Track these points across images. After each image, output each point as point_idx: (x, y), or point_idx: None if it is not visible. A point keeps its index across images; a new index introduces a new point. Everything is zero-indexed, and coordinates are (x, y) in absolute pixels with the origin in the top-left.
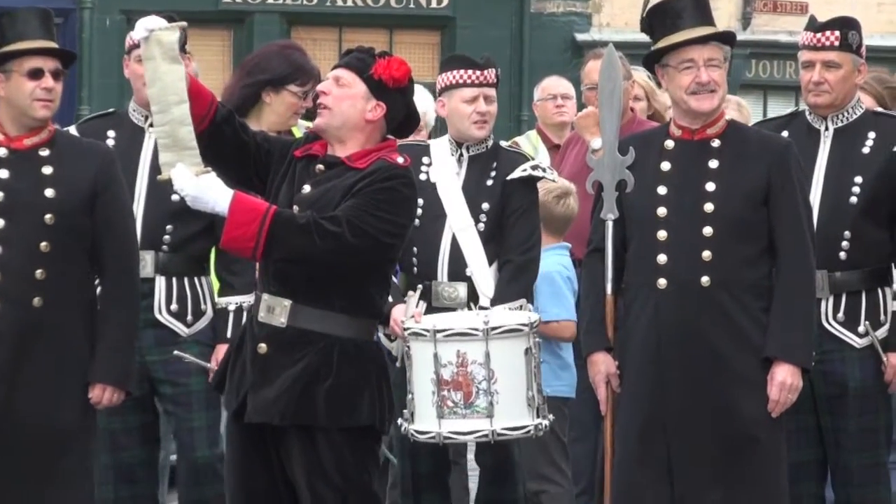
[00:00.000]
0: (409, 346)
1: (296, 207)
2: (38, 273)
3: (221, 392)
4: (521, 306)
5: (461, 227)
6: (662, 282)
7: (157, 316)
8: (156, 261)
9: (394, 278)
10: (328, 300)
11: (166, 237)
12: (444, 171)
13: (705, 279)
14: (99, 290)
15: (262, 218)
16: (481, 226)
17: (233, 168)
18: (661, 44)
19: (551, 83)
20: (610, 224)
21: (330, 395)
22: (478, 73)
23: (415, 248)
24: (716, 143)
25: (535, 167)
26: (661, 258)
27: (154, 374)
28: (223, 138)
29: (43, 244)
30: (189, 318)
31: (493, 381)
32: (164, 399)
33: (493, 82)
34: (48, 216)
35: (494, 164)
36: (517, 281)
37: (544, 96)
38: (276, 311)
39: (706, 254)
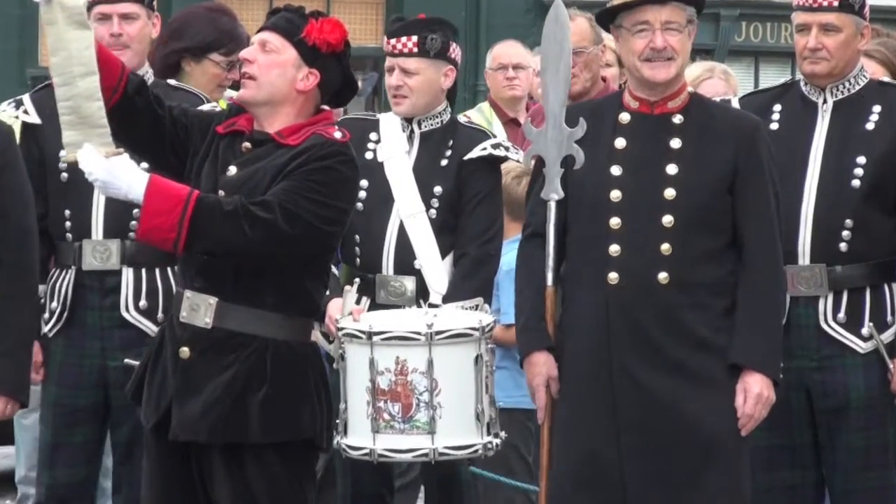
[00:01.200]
0: (343, 349)
1: (221, 192)
2: None
3: (138, 403)
4: (476, 306)
5: (410, 214)
6: (613, 276)
7: (125, 314)
8: (122, 250)
9: (334, 269)
10: (259, 297)
11: (133, 223)
12: (393, 149)
13: (663, 275)
14: None
15: (184, 205)
16: (433, 212)
17: (146, 147)
18: (616, 1)
19: (502, 50)
20: (553, 206)
21: (264, 406)
22: (392, 41)
23: (357, 237)
24: (678, 118)
25: (496, 146)
26: (613, 249)
27: (113, 383)
28: (135, 113)
29: None
30: (160, 315)
31: (436, 393)
32: (118, 414)
33: (407, 51)
34: None
35: (451, 143)
36: (474, 277)
37: (494, 66)
38: (201, 309)
39: (665, 246)
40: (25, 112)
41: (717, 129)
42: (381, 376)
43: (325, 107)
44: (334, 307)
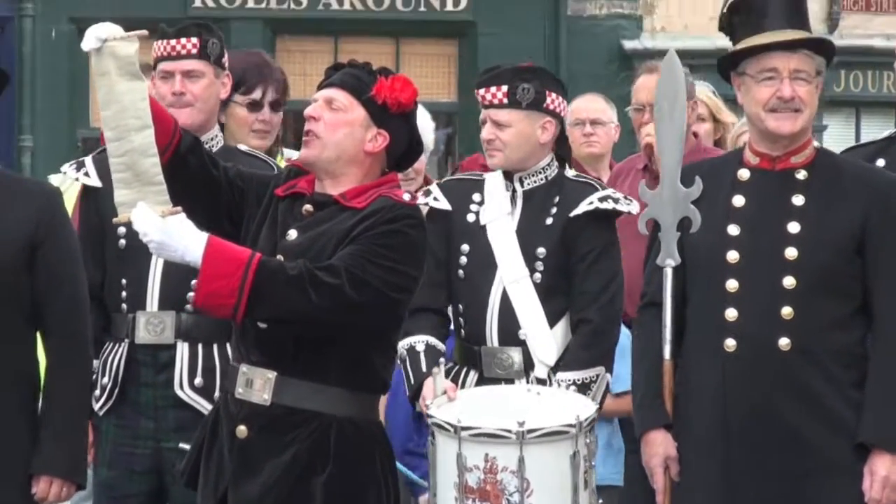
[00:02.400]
0: (433, 436)
1: (280, 257)
2: None
3: (193, 488)
4: (597, 376)
5: (513, 279)
6: (731, 343)
7: (179, 392)
8: (177, 324)
9: (439, 343)
10: (322, 371)
11: (191, 294)
12: (496, 210)
13: (784, 341)
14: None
15: (245, 269)
16: (538, 276)
17: (199, 210)
18: (740, 45)
19: (580, 104)
20: (669, 272)
21: (327, 489)
22: (482, 91)
23: (460, 306)
24: (801, 174)
25: (603, 198)
26: (731, 313)
27: (168, 468)
28: (188, 173)
29: None
30: (217, 394)
31: (527, 494)
32: (174, 500)
33: (497, 102)
34: None
35: (556, 199)
36: (593, 345)
37: (572, 121)
38: (258, 384)
39: (786, 310)
40: (86, 174)
41: (846, 185)
42: (470, 473)
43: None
44: (428, 388)
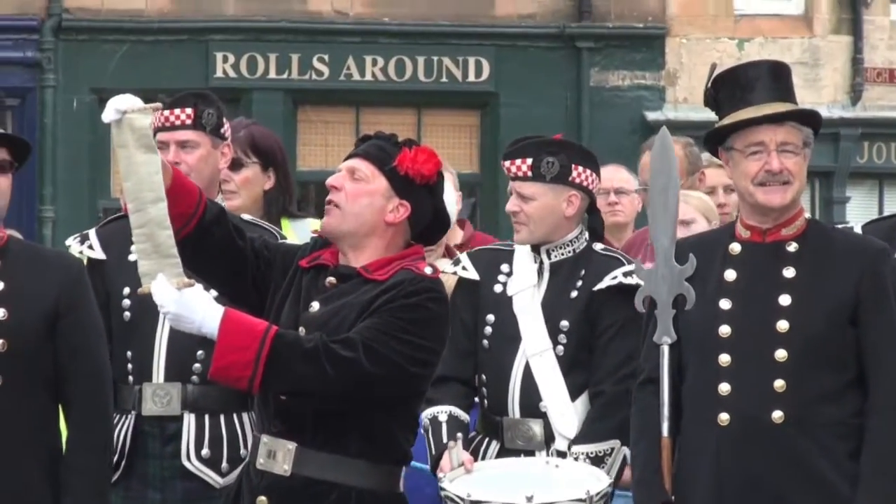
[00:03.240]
0: None
1: (302, 329)
2: None
3: None
4: (612, 449)
5: (536, 352)
6: (724, 416)
7: (186, 463)
8: (183, 395)
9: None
10: (342, 442)
11: (196, 365)
12: (523, 281)
13: (777, 414)
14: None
15: (261, 341)
16: (560, 349)
17: (225, 280)
18: (726, 120)
19: (604, 174)
20: (666, 350)
21: None
22: (507, 163)
23: (484, 377)
24: (792, 246)
25: (627, 273)
26: (724, 387)
27: None
28: (213, 243)
29: None
30: (224, 465)
31: None
32: None
33: (522, 175)
34: (0, 342)
35: (582, 272)
36: (608, 417)
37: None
38: (279, 456)
39: (779, 383)
40: (90, 247)
41: (837, 255)
42: None
43: (413, 242)
44: (445, 461)
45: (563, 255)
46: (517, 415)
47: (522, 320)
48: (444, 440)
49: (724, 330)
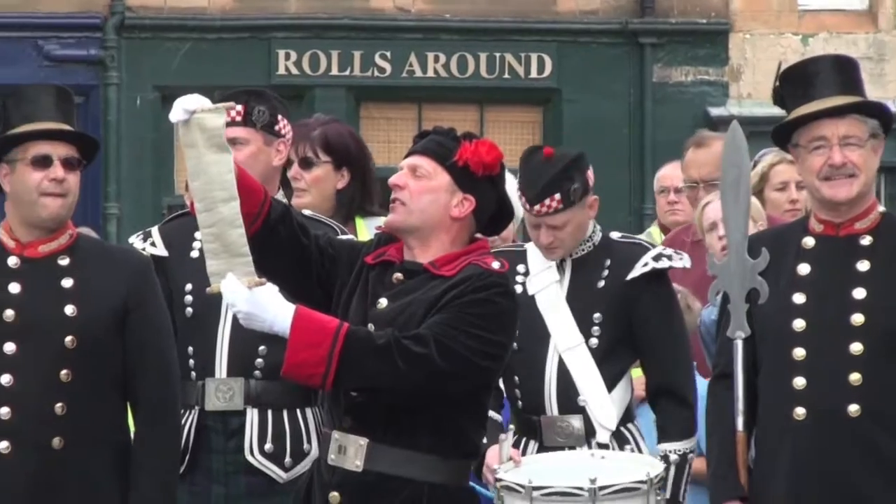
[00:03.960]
0: (501, 501)
1: (371, 326)
2: (58, 407)
3: None
4: (691, 450)
5: (568, 346)
6: (800, 411)
7: (249, 458)
8: (246, 390)
9: (495, 415)
10: (413, 437)
11: (259, 360)
12: (543, 280)
13: (853, 408)
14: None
15: (333, 338)
16: (594, 341)
17: (290, 278)
18: (790, 117)
19: (666, 172)
20: (740, 344)
21: None
22: (536, 207)
23: (516, 378)
24: (866, 240)
25: (657, 257)
26: (799, 382)
27: None
28: (278, 242)
29: (63, 372)
30: (287, 460)
31: None
32: None
33: (553, 210)
34: (69, 338)
35: (607, 262)
36: (691, 416)
37: (657, 188)
38: (350, 451)
39: (854, 376)
40: (153, 244)
41: None
42: None
43: (479, 235)
44: (492, 455)
45: (584, 250)
46: (555, 412)
47: (549, 317)
48: (484, 441)
49: (798, 324)
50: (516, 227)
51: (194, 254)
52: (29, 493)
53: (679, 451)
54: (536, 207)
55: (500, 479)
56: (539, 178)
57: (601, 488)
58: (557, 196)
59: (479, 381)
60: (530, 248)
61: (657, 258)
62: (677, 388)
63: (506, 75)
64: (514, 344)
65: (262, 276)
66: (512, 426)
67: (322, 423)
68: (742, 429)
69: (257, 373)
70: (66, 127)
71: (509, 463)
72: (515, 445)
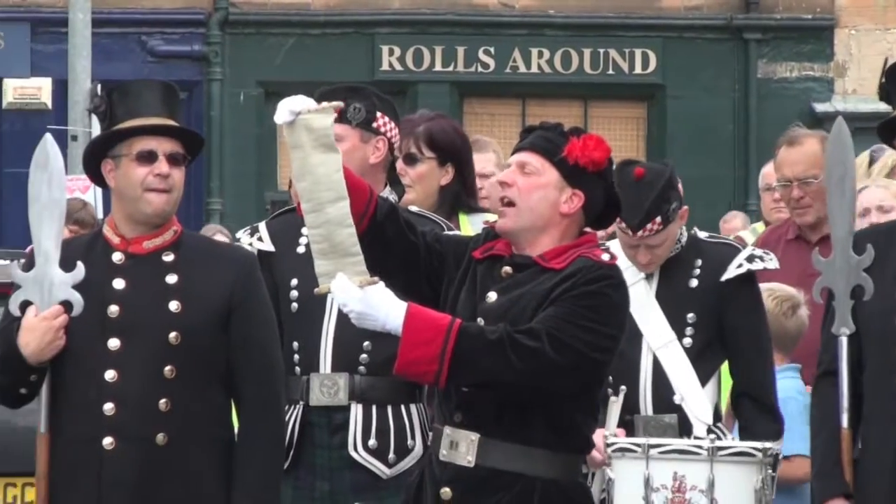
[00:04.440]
0: (610, 470)
1: (481, 320)
2: (162, 403)
3: None
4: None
5: (661, 344)
6: None
7: (353, 454)
8: (350, 385)
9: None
10: (525, 432)
11: (363, 356)
12: (631, 278)
13: None
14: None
15: (446, 335)
16: (688, 340)
17: (398, 275)
18: None
19: (771, 169)
20: (844, 341)
21: None
22: (639, 234)
23: (610, 378)
24: None
25: (750, 258)
26: None
27: None
28: (385, 239)
29: (167, 369)
30: (391, 456)
31: None
32: None
33: (654, 232)
34: (173, 334)
35: (699, 262)
36: (768, 417)
37: (762, 185)
38: (462, 447)
39: None
40: (260, 239)
41: None
42: (657, 493)
43: (588, 229)
44: (596, 435)
45: (672, 251)
46: (650, 411)
47: (639, 315)
48: None
49: None
50: None
51: (300, 249)
52: (133, 488)
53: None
54: (638, 234)
55: (612, 444)
56: (638, 203)
57: (719, 448)
58: (658, 219)
59: (592, 374)
60: (613, 245)
61: (750, 259)
62: (761, 392)
63: (610, 71)
64: None
65: (373, 274)
66: (623, 387)
67: (432, 418)
68: (847, 426)
69: (362, 368)
70: (171, 122)
71: (616, 434)
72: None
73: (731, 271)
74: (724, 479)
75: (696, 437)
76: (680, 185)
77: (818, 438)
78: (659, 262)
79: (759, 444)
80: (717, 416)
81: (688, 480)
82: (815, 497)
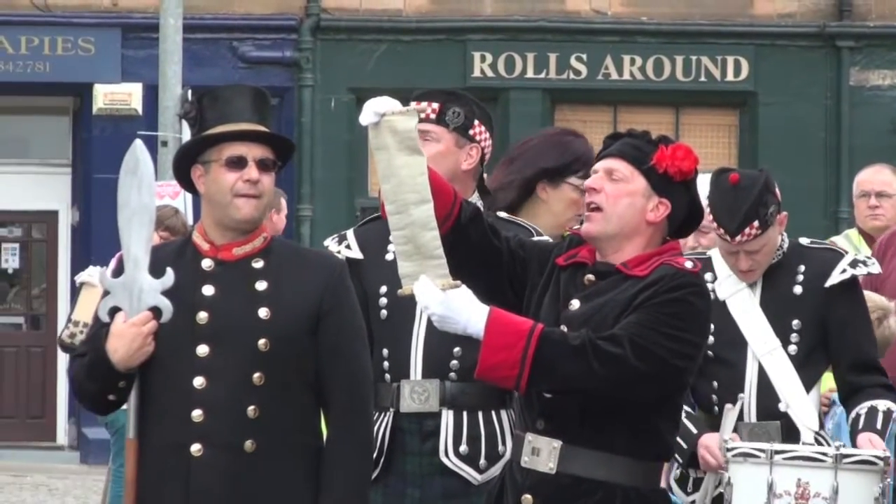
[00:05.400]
0: (729, 476)
1: (563, 327)
2: (251, 410)
3: None
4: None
5: (766, 351)
6: None
7: (444, 460)
8: (442, 392)
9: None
10: (607, 439)
11: (454, 362)
12: (733, 285)
13: None
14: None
15: (527, 340)
16: (793, 348)
17: (481, 279)
18: None
19: (866, 176)
20: None
21: None
22: (738, 238)
23: (715, 383)
24: None
25: (854, 263)
26: None
27: None
28: (469, 243)
29: (256, 375)
30: (482, 462)
31: None
32: None
33: (753, 237)
34: (262, 341)
35: (801, 269)
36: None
37: (857, 192)
38: (544, 454)
39: None
40: (348, 247)
41: None
42: (779, 499)
43: (669, 238)
44: (711, 438)
45: (773, 259)
46: (753, 418)
47: (743, 321)
48: (695, 431)
49: None
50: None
51: (389, 256)
52: (221, 495)
53: (889, 406)
54: (737, 239)
55: (732, 448)
56: (735, 207)
57: (844, 456)
58: (756, 223)
59: (674, 382)
60: (714, 254)
61: (853, 265)
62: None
63: (702, 78)
64: (710, 351)
65: (458, 277)
66: (742, 395)
67: (514, 425)
68: None
69: (452, 374)
70: (261, 128)
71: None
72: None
73: (836, 277)
74: (848, 486)
75: (803, 444)
76: (777, 190)
77: None
78: (761, 270)
79: (880, 453)
80: (820, 422)
81: (812, 487)
82: None
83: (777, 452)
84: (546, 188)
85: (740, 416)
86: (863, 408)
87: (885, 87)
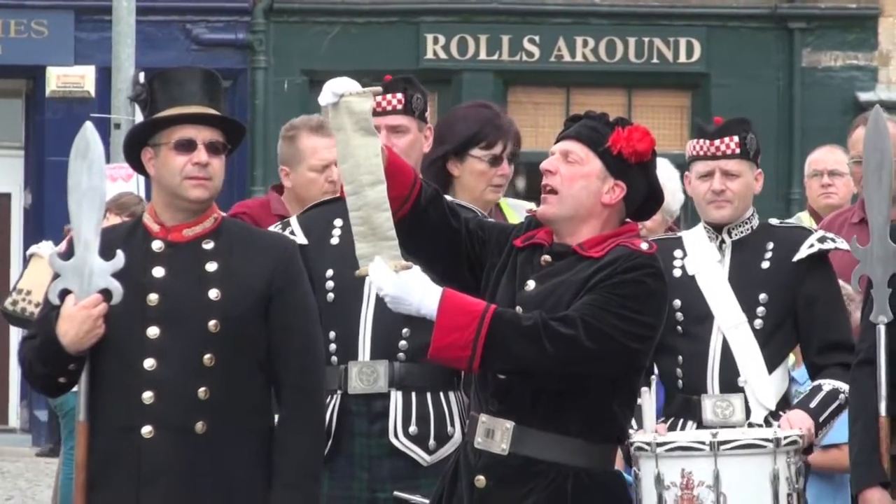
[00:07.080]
0: (635, 470)
1: (519, 308)
2: (202, 392)
3: None
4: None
5: (731, 325)
6: None
7: (394, 441)
8: (390, 373)
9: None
10: (561, 421)
11: (402, 343)
12: (703, 260)
13: None
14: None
15: (479, 321)
16: (759, 322)
17: (440, 261)
18: None
19: (818, 156)
20: (882, 329)
21: None
22: (707, 143)
23: (680, 357)
24: None
25: (822, 238)
26: None
27: None
28: (428, 224)
29: (206, 356)
30: (431, 442)
31: None
32: None
33: (730, 152)
34: (212, 322)
35: (770, 245)
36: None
37: (809, 172)
38: (497, 435)
39: None
40: (292, 233)
41: None
42: (668, 491)
43: (629, 220)
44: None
45: (743, 232)
46: (716, 391)
47: (710, 296)
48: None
49: None
50: (673, 216)
51: (334, 241)
52: (172, 477)
53: (834, 386)
54: (716, 143)
55: (632, 442)
56: (725, 124)
57: (722, 443)
58: (736, 139)
59: (627, 363)
60: (686, 234)
61: (822, 240)
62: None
63: (654, 59)
64: (679, 327)
65: (413, 258)
66: (653, 377)
67: (469, 406)
68: (885, 414)
69: (401, 355)
70: (212, 111)
71: (645, 431)
72: (671, 427)
73: (804, 251)
74: (731, 472)
75: (749, 424)
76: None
77: (855, 426)
78: (731, 209)
79: (769, 434)
80: (786, 404)
81: (695, 476)
82: (852, 485)
83: (659, 444)
84: (456, 164)
85: (704, 389)
86: (808, 386)
87: (837, 69)
